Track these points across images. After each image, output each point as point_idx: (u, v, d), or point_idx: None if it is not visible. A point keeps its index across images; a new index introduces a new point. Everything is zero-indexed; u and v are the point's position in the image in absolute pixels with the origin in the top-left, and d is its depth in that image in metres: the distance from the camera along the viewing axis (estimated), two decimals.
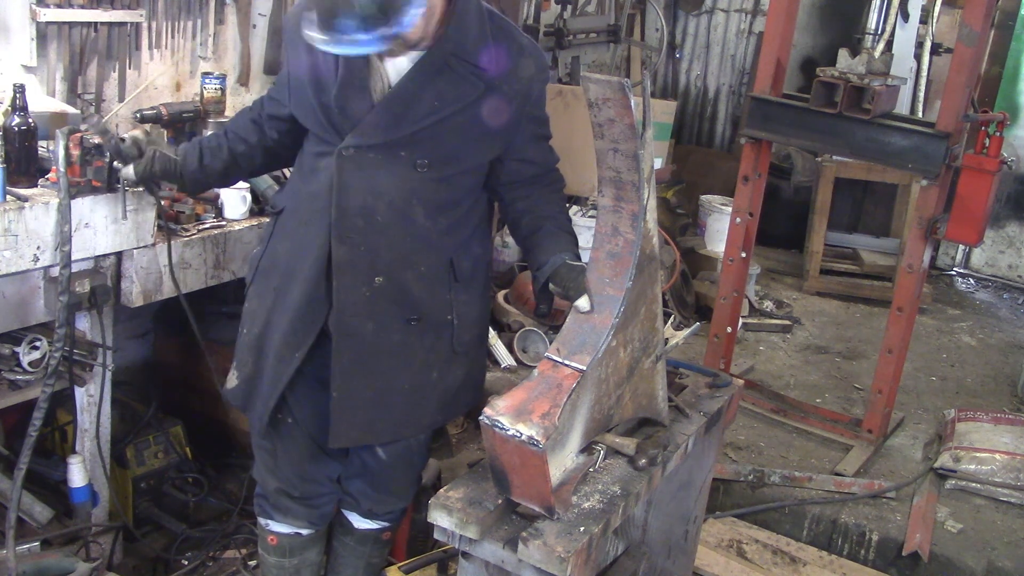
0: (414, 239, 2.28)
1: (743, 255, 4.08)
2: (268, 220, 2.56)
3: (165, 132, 3.27)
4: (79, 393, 2.94)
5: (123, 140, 2.49)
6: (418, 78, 2.15)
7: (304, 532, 2.63)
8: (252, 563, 3.16)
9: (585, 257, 2.16)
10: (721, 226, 5.36)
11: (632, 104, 1.81)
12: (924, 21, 5.86)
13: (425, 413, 2.45)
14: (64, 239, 2.53)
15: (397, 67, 2.17)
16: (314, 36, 1.99)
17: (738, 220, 4.05)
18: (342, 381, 2.32)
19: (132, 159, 2.48)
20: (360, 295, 2.26)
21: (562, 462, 1.96)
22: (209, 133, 2.63)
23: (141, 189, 2.63)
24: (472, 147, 2.25)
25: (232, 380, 2.51)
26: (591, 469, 2.03)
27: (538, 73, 2.29)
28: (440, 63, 2.15)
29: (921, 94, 5.94)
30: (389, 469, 2.57)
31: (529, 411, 1.84)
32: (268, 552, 2.67)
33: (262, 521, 2.65)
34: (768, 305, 5.54)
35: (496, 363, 4.42)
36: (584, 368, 1.93)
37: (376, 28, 1.95)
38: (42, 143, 2.69)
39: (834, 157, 5.79)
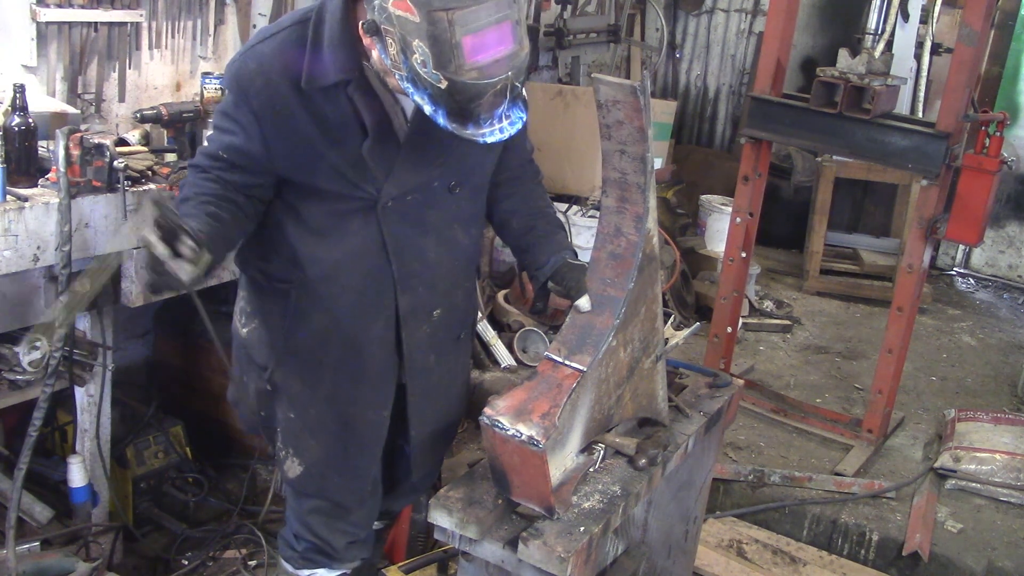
0: (460, 261, 2.26)
1: (743, 255, 4.08)
2: (262, 295, 2.20)
3: (165, 132, 3.27)
4: (79, 393, 2.94)
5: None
6: None
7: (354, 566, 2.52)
8: (252, 563, 3.16)
9: (585, 257, 2.16)
10: (721, 226, 5.36)
11: (643, 108, 1.81)
12: (924, 21, 5.86)
13: (461, 413, 2.50)
14: (64, 239, 2.53)
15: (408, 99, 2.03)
16: (474, 132, 1.81)
17: (738, 220, 4.05)
18: (418, 419, 2.30)
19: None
20: (423, 333, 2.23)
21: (562, 462, 1.95)
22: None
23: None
24: (486, 153, 2.21)
25: (294, 468, 2.29)
26: (591, 469, 2.03)
27: None
28: None
29: (921, 94, 5.94)
30: (418, 484, 2.56)
31: (529, 411, 1.84)
32: None
33: (305, 572, 2.44)
34: (768, 305, 5.54)
35: (496, 363, 4.42)
36: (584, 368, 1.93)
37: (521, 98, 1.85)
38: (42, 143, 2.69)
39: (834, 157, 5.79)
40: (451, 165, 2.11)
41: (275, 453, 2.34)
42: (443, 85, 1.72)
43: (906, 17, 5.74)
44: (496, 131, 1.83)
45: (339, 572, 2.44)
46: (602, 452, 2.06)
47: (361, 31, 1.84)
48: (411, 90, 1.78)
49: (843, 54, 3.76)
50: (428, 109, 1.78)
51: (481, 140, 1.82)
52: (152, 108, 3.21)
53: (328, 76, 1.92)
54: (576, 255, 2.26)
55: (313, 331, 2.16)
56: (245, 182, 2.02)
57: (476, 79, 1.72)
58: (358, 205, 2.05)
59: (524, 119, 1.87)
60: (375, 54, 1.85)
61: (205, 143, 2.10)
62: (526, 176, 2.37)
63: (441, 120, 1.79)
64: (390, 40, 1.74)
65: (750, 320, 5.25)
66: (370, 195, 2.04)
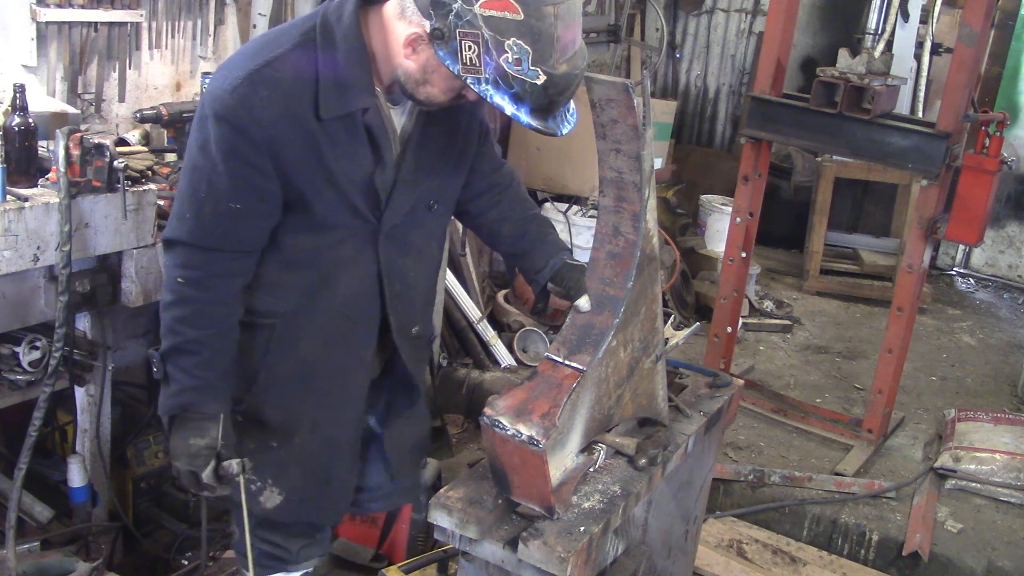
0: (432, 276, 2.28)
1: (743, 255, 4.08)
2: (243, 329, 2.06)
3: (165, 132, 3.27)
4: (79, 393, 2.94)
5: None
6: (420, 120, 2.01)
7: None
8: None
9: (584, 257, 2.16)
10: (721, 226, 5.37)
11: (636, 105, 1.81)
12: (924, 21, 5.86)
13: (428, 421, 2.55)
14: (64, 239, 2.52)
15: (397, 122, 2.01)
16: (552, 126, 1.84)
17: (738, 220, 4.05)
18: (394, 426, 2.33)
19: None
20: (407, 348, 2.24)
21: (562, 462, 1.95)
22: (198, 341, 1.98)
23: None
24: (459, 166, 2.19)
25: (273, 498, 2.21)
26: (591, 469, 2.03)
27: None
28: None
29: (921, 94, 5.94)
30: (400, 492, 2.52)
31: (529, 411, 1.84)
32: None
33: None
34: (768, 305, 5.54)
35: (496, 363, 4.42)
36: (584, 368, 1.93)
37: None
38: (42, 143, 2.69)
39: (834, 157, 5.79)
40: (432, 185, 2.10)
41: (241, 485, 2.18)
42: (540, 80, 1.75)
43: (906, 17, 5.74)
44: (566, 123, 1.88)
45: (300, 574, 2.41)
46: (602, 452, 2.06)
47: (416, 38, 1.79)
48: (490, 92, 1.76)
49: (843, 54, 3.76)
50: (509, 109, 1.78)
51: (559, 133, 1.86)
52: (152, 108, 3.21)
53: (349, 103, 1.86)
54: (572, 253, 2.27)
55: (300, 360, 2.11)
56: (254, 237, 1.95)
57: (568, 71, 1.78)
58: (356, 233, 2.02)
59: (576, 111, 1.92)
60: (416, 62, 1.81)
61: (194, 204, 1.90)
62: (505, 181, 2.34)
63: (524, 118, 1.80)
64: (468, 43, 1.71)
65: (750, 320, 5.25)
66: (370, 223, 2.02)
